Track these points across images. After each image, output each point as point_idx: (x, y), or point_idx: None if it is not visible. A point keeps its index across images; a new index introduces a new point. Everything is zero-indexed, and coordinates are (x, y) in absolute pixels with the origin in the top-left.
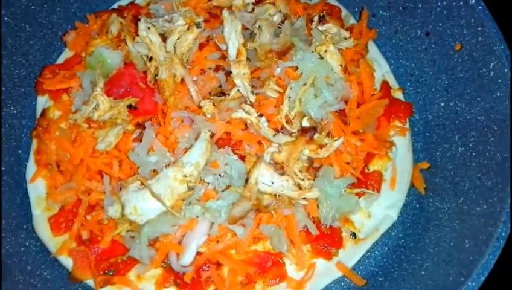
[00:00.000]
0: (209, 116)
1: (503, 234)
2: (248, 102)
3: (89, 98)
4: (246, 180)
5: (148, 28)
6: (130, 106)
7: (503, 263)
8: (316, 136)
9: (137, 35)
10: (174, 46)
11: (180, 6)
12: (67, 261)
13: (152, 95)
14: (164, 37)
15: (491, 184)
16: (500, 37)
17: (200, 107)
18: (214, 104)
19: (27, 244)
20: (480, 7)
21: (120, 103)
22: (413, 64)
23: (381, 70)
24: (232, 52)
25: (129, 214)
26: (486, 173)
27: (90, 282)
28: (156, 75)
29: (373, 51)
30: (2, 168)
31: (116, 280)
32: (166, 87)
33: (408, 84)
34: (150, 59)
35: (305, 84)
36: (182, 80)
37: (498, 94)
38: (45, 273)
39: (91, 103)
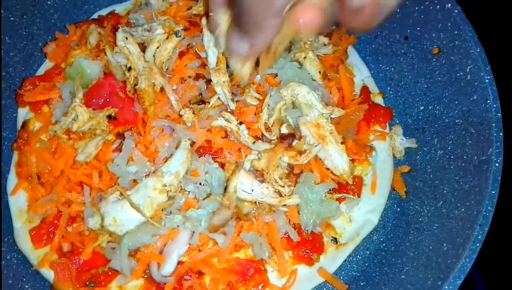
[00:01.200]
0: (189, 124)
1: (479, 237)
2: (228, 110)
3: (68, 110)
4: (225, 189)
5: (126, 38)
6: (109, 116)
7: (480, 266)
8: (295, 142)
9: (117, 45)
10: (154, 55)
11: (159, 15)
12: (49, 274)
13: (132, 104)
14: (144, 47)
15: (468, 187)
16: (476, 41)
17: (180, 116)
18: (193, 113)
19: (8, 257)
20: (456, 11)
21: (99, 114)
22: (392, 69)
23: (361, 75)
24: (211, 60)
25: (108, 225)
26: (464, 175)
27: None
28: (135, 84)
29: (353, 56)
30: None
31: None
32: (145, 96)
33: (388, 88)
34: (129, 69)
35: (285, 104)
36: (162, 89)
37: (475, 97)
38: (27, 286)
39: (70, 114)
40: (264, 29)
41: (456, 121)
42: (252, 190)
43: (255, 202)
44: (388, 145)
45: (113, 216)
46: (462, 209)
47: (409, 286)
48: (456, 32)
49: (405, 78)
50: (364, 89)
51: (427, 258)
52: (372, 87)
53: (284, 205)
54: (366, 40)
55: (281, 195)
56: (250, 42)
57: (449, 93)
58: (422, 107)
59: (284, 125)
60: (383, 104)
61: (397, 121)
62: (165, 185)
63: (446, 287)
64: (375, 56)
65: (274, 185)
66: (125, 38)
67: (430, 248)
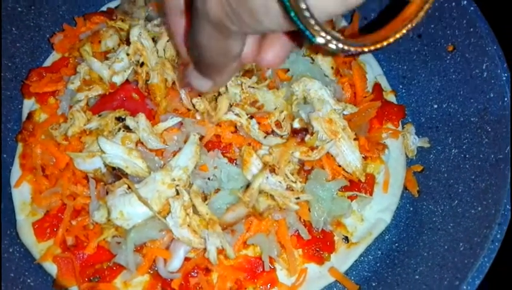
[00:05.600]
0: (199, 118)
1: (498, 236)
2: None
3: (68, 115)
4: (247, 186)
5: (140, 33)
6: (119, 118)
7: (499, 266)
8: (307, 137)
9: (127, 40)
10: (164, 49)
11: None
12: (51, 268)
13: (146, 103)
14: (154, 41)
15: (485, 186)
16: (492, 38)
17: (189, 110)
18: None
19: (10, 250)
20: (472, 8)
21: (109, 114)
22: (405, 67)
23: (373, 72)
24: None
25: (115, 219)
26: (481, 174)
27: (75, 289)
28: (147, 80)
29: None
30: None
31: (101, 286)
32: (157, 92)
33: (400, 86)
34: (141, 64)
35: (296, 98)
36: (173, 83)
37: (491, 95)
38: (29, 281)
39: (69, 120)
40: (225, 73)
41: (472, 119)
42: (267, 177)
43: (271, 197)
44: (401, 144)
45: (120, 210)
46: (479, 209)
47: (424, 287)
48: (471, 29)
49: (418, 76)
50: (377, 86)
51: (443, 258)
52: (384, 84)
53: (297, 198)
54: None
55: (292, 191)
56: (211, 82)
57: (464, 92)
58: (436, 106)
59: (297, 120)
60: (396, 102)
61: (410, 120)
62: (174, 180)
63: (464, 287)
64: (387, 54)
65: (286, 180)
66: (139, 34)
67: (446, 247)
